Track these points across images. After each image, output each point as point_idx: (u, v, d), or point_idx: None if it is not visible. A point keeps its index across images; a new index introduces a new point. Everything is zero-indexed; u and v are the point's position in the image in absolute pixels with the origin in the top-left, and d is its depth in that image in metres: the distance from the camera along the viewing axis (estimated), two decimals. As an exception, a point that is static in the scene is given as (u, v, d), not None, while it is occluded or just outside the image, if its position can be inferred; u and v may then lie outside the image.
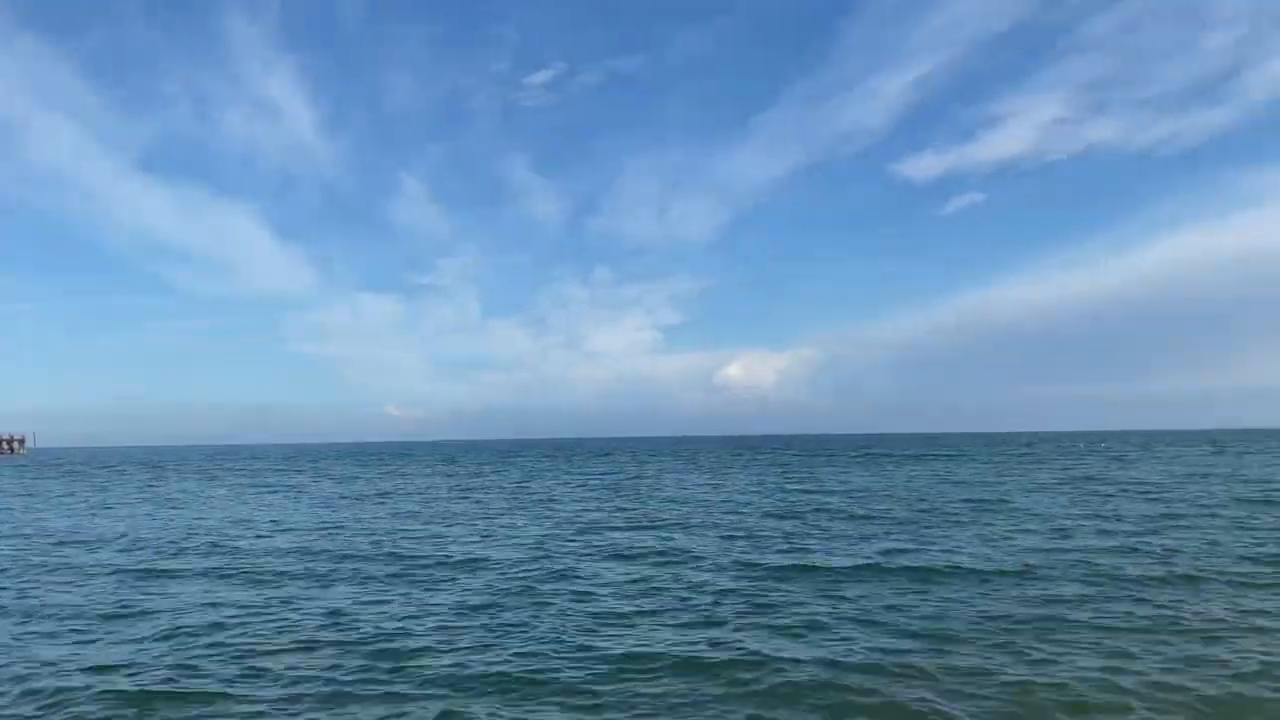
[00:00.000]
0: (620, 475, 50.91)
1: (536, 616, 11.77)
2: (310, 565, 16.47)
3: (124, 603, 13.16)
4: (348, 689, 8.63)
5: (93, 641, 10.84)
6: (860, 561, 15.58)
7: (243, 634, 10.99)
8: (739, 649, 9.78)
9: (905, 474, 45.76)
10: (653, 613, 11.88)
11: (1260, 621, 10.58)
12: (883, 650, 9.66)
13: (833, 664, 9.14)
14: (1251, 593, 12.38)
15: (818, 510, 25.76)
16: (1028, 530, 19.63)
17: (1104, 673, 8.58)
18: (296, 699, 8.35)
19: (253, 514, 28.17)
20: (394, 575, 15.26)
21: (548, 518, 25.34)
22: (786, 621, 11.13)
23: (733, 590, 13.35)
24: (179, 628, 11.36)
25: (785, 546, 17.90)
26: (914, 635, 10.30)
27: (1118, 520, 21.18)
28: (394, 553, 17.89)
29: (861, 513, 24.69)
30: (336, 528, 23.23)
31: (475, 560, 16.69)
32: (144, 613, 12.43)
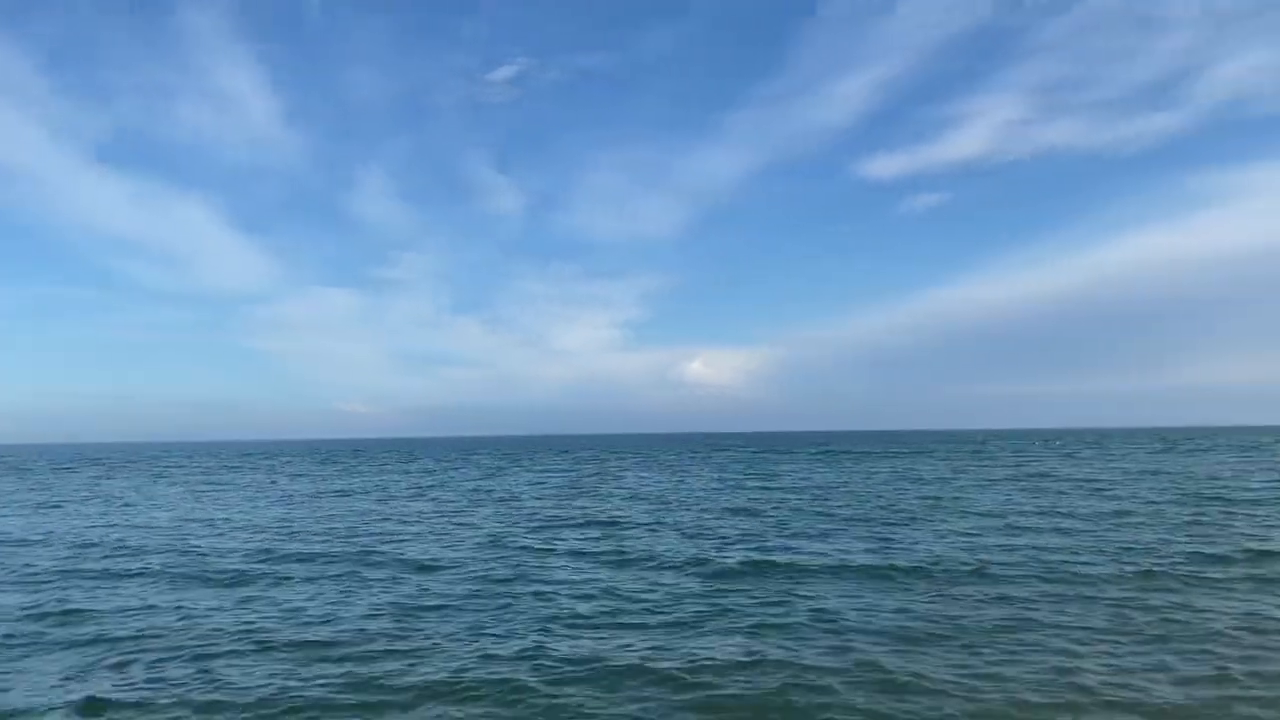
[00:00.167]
0: (581, 472, 50.73)
1: (494, 617, 11.59)
2: (266, 566, 16.08)
3: (72, 606, 12.67)
4: (306, 692, 8.39)
5: (40, 648, 10.40)
6: (820, 560, 15.63)
7: (195, 636, 10.69)
8: (699, 651, 9.70)
9: (864, 471, 46.27)
10: (611, 613, 11.76)
11: (1211, 621, 10.79)
12: (842, 650, 9.65)
13: (793, 665, 9.10)
14: (1201, 590, 12.65)
15: (777, 507, 25.89)
16: (984, 528, 19.90)
17: (1057, 673, 8.67)
18: (255, 705, 8.08)
19: (208, 513, 27.48)
20: (349, 575, 14.97)
21: (507, 516, 25.08)
22: (746, 623, 11.08)
23: (692, 590, 13.29)
24: (132, 632, 10.97)
25: (745, 544, 17.90)
26: (874, 635, 10.32)
27: (1070, 517, 21.58)
28: (350, 552, 17.56)
29: (821, 510, 24.85)
30: (289, 527, 22.74)
31: (432, 560, 16.43)
32: (93, 615, 12.00)
